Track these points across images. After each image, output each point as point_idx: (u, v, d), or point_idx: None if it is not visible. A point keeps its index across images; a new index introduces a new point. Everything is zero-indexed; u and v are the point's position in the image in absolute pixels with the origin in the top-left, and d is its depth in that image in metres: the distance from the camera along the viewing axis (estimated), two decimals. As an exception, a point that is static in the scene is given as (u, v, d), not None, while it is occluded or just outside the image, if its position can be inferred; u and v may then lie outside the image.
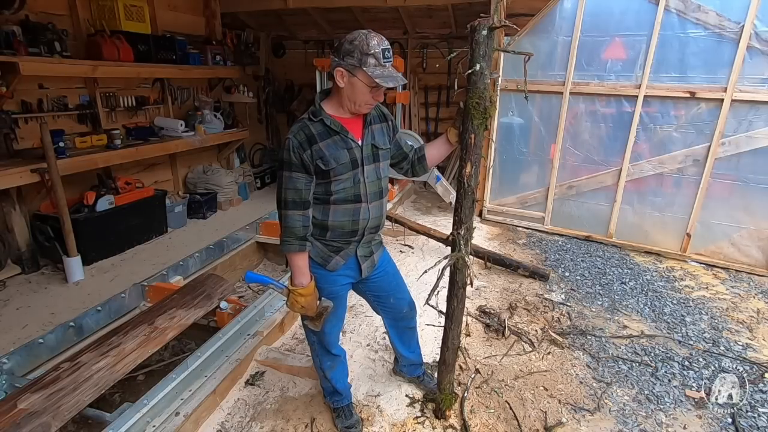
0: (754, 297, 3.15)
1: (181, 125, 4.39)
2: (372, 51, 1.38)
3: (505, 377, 2.25)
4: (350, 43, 1.40)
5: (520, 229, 4.33)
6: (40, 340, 2.23)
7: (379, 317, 1.98)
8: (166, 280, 2.98)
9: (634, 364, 2.38)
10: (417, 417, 1.98)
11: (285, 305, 1.60)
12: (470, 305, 2.84)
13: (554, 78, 3.89)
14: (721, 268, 3.57)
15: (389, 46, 1.42)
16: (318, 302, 1.61)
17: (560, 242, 4.03)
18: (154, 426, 1.79)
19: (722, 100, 3.32)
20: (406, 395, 2.10)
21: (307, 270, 1.56)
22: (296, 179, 1.46)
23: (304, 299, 1.55)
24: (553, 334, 2.58)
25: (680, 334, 2.66)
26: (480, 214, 4.50)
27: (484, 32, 1.39)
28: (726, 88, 3.29)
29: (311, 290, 1.57)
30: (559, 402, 2.10)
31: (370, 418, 1.97)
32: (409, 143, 1.77)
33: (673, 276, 3.44)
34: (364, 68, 1.39)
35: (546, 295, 3.07)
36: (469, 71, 1.44)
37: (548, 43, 3.84)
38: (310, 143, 1.45)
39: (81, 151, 3.50)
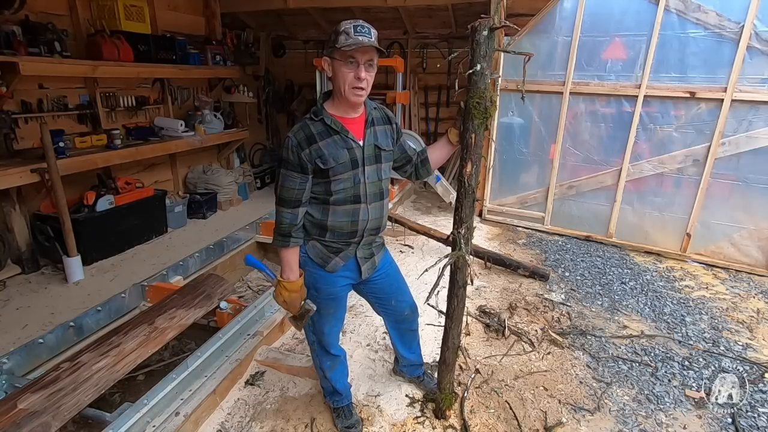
0: (754, 297, 3.15)
1: (181, 125, 4.39)
2: (342, 28, 1.41)
3: (505, 377, 2.25)
4: (330, 34, 1.45)
5: (520, 229, 4.33)
6: (40, 340, 2.22)
7: (379, 317, 1.98)
8: (166, 280, 2.98)
9: (634, 364, 2.38)
10: (417, 417, 1.98)
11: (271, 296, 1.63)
12: (470, 305, 2.84)
13: (554, 78, 3.89)
14: (721, 268, 3.57)
15: (366, 25, 1.42)
16: (302, 302, 1.62)
17: (560, 242, 4.03)
18: (154, 426, 1.79)
19: (722, 100, 3.32)
20: (406, 395, 2.10)
21: (296, 266, 1.58)
22: (291, 177, 1.48)
23: (288, 294, 1.57)
24: (553, 334, 2.58)
25: (680, 334, 2.67)
26: (480, 214, 4.50)
27: (485, 32, 1.40)
28: (726, 88, 3.29)
29: (297, 287, 1.58)
30: (559, 402, 2.10)
31: (370, 418, 1.97)
32: (412, 146, 1.78)
33: (673, 276, 3.44)
34: (337, 45, 1.41)
35: (546, 295, 3.07)
36: (470, 71, 1.45)
37: (548, 43, 3.84)
38: (309, 142, 1.46)
39: (81, 151, 3.49)
